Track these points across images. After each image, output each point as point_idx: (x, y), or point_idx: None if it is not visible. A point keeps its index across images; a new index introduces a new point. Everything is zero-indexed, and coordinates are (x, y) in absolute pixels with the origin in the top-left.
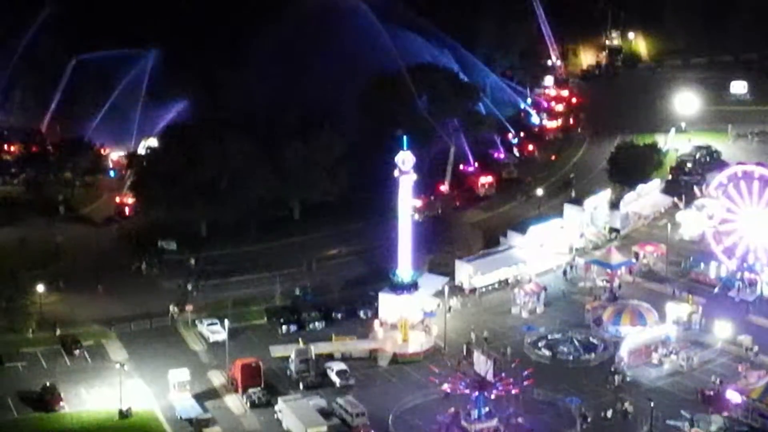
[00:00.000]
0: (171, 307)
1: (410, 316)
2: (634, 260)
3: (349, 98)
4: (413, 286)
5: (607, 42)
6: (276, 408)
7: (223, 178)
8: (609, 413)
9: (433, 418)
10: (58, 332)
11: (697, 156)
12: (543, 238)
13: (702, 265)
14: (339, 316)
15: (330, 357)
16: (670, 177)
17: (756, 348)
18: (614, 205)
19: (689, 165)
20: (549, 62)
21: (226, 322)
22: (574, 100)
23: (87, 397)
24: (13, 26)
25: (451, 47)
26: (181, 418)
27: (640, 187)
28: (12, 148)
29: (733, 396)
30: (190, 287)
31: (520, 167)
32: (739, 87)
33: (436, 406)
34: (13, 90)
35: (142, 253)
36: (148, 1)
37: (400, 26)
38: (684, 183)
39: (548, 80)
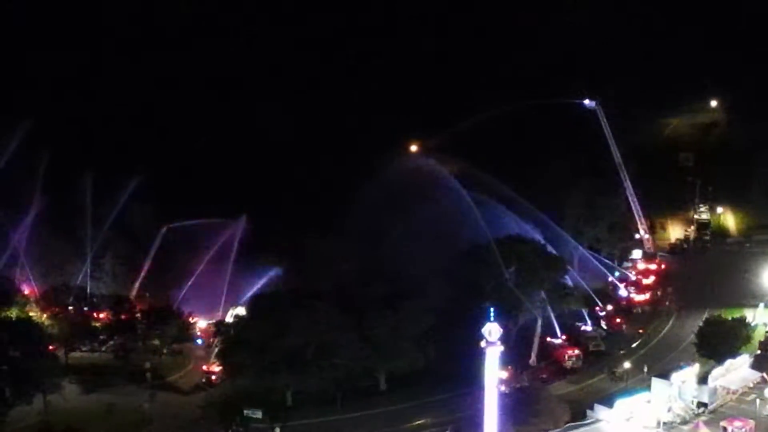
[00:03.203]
0: None
1: None
2: None
3: (437, 268)
4: None
5: (696, 216)
6: None
7: (310, 347)
8: None
9: None
10: None
11: None
12: (630, 411)
13: None
14: None
15: None
16: (758, 352)
17: None
18: (702, 379)
19: None
20: (637, 235)
21: None
22: (662, 273)
23: None
24: (105, 195)
25: (539, 220)
26: None
27: (729, 361)
28: (101, 316)
29: None
30: None
31: (607, 340)
32: None
33: None
34: (103, 258)
35: (228, 421)
36: (237, 171)
37: (488, 198)
38: None
39: (636, 253)
